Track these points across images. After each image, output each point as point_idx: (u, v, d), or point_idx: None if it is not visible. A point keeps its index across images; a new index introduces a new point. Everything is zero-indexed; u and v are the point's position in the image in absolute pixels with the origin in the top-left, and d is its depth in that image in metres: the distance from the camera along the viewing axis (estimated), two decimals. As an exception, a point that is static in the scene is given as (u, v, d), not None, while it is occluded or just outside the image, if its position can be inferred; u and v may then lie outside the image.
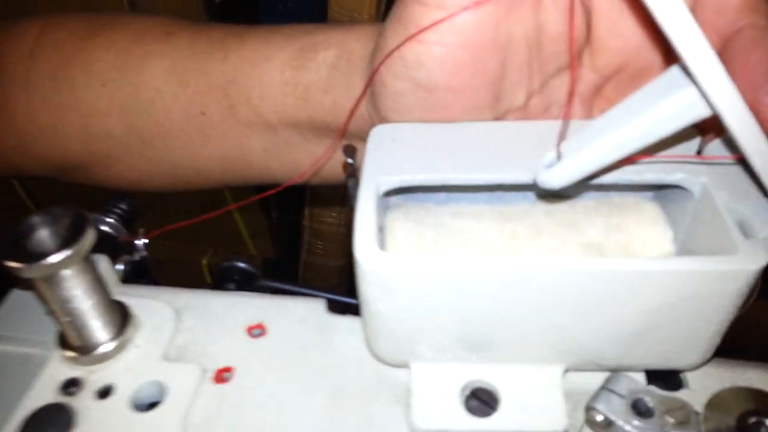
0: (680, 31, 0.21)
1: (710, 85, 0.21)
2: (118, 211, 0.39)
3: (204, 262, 1.15)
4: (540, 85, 0.31)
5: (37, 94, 0.42)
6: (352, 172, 0.29)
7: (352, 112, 0.33)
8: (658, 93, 0.23)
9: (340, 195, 1.03)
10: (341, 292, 0.40)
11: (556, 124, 0.32)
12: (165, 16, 0.44)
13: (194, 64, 0.40)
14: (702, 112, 0.23)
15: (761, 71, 0.22)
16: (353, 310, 0.32)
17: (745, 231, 0.25)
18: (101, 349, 0.31)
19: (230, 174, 0.43)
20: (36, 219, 0.28)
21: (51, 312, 0.29)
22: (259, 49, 0.38)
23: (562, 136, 0.26)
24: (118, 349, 0.31)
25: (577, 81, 0.32)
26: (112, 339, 0.31)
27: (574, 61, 0.25)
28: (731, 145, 0.28)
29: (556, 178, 0.25)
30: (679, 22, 0.21)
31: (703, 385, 0.29)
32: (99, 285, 0.30)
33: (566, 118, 0.25)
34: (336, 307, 0.34)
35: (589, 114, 0.33)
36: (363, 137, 0.35)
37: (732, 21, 0.24)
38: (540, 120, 0.32)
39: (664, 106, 0.23)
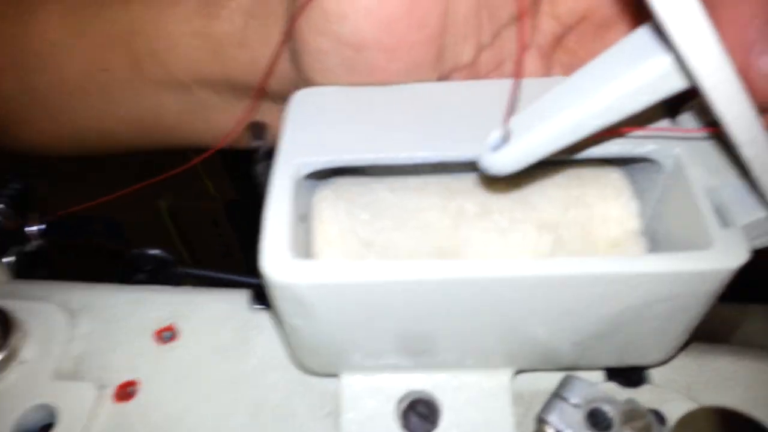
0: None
1: (693, 53, 0.16)
2: (7, 192, 0.33)
3: (163, 204, 1.09)
4: (491, 37, 0.26)
5: None
6: (262, 156, 0.24)
7: (267, 74, 0.28)
8: (623, 61, 0.19)
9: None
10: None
11: (509, 84, 0.27)
12: None
13: (91, 13, 0.34)
14: (678, 85, 0.18)
15: (756, 25, 0.17)
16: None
17: (723, 217, 0.21)
18: (-22, 369, 0.26)
19: (144, 138, 0.38)
20: None
21: None
22: None
23: (510, 109, 0.21)
24: (-1, 367, 0.26)
25: (532, 32, 0.27)
26: (-9, 355, 0.26)
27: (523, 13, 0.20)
28: (708, 112, 0.23)
29: (503, 164, 0.21)
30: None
31: (668, 379, 0.26)
32: (-35, 296, 0.25)
33: (515, 86, 0.20)
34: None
35: (548, 68, 0.28)
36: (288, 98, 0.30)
37: None
38: (491, 79, 0.28)
39: (629, 79, 0.18)
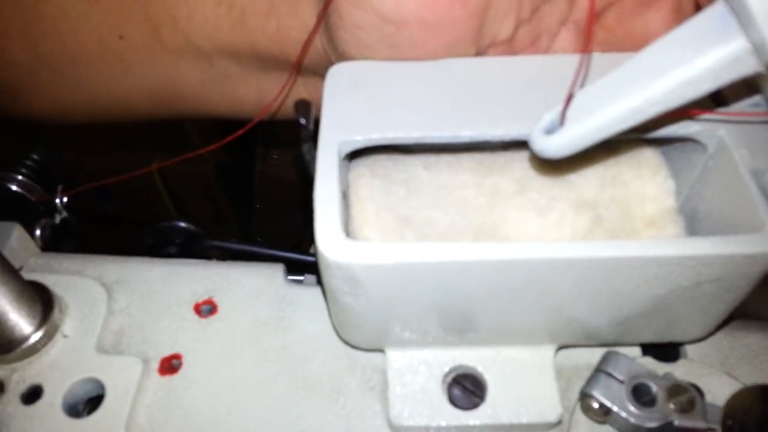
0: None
1: None
2: (30, 164, 0.32)
3: (153, 166, 1.09)
4: (530, 13, 0.26)
5: None
6: (307, 136, 0.24)
7: (303, 51, 0.27)
8: (691, 44, 0.19)
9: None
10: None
11: (549, 60, 0.27)
12: None
13: None
14: (750, 70, 0.18)
15: None
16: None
17: None
18: (23, 345, 0.26)
19: (161, 107, 0.37)
20: None
21: (-50, 311, 0.24)
22: None
23: (573, 89, 0.21)
24: (42, 342, 0.26)
25: (570, 8, 0.27)
26: (35, 330, 0.26)
27: None
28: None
29: (558, 147, 0.21)
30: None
31: (702, 354, 0.26)
32: (8, 270, 0.25)
33: (582, 64, 0.20)
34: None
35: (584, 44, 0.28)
36: (320, 73, 0.29)
37: None
38: (528, 54, 0.27)
39: (698, 63, 0.18)
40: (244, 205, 1.16)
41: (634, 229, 0.25)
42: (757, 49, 0.17)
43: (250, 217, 1.18)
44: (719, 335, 0.27)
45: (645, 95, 0.19)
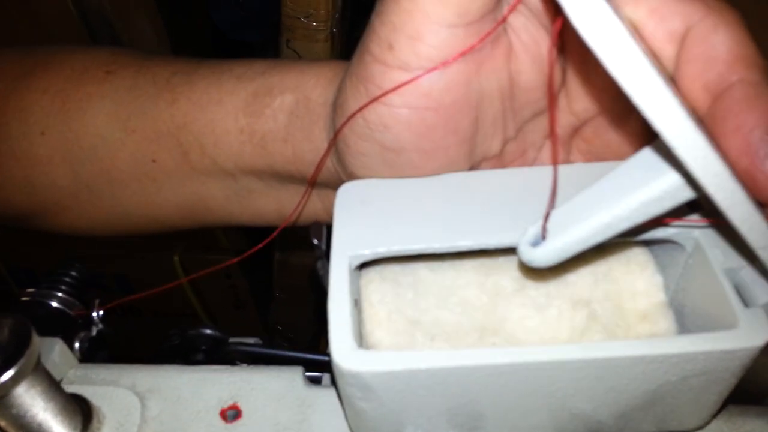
0: (663, 118, 0.18)
1: (701, 175, 0.19)
2: (68, 280, 0.35)
3: (176, 258, 1.12)
4: (515, 132, 0.29)
5: None
6: (321, 254, 0.27)
7: (317, 170, 0.30)
8: (649, 167, 0.21)
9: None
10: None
11: (535, 172, 0.30)
12: (105, 49, 0.40)
13: (139, 109, 0.36)
14: (690, 196, 0.21)
15: (758, 134, 0.20)
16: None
17: (744, 296, 0.24)
18: (63, 455, 0.28)
19: (189, 220, 0.41)
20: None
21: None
22: (209, 92, 0.35)
23: (550, 206, 0.23)
24: (81, 452, 0.28)
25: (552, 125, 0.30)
26: (74, 441, 0.28)
27: (555, 149, 0.22)
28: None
29: (544, 259, 0.23)
30: (662, 107, 0.18)
31: (703, 442, 0.27)
32: (53, 389, 0.27)
33: (553, 191, 0.23)
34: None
35: (567, 153, 0.31)
36: (333, 186, 0.33)
37: (723, 76, 0.21)
38: (517, 167, 0.30)
39: (646, 192, 0.21)
40: (263, 292, 1.18)
41: (627, 324, 0.27)
42: (689, 182, 0.20)
43: (269, 304, 1.20)
44: (719, 422, 0.28)
45: (614, 213, 0.22)
